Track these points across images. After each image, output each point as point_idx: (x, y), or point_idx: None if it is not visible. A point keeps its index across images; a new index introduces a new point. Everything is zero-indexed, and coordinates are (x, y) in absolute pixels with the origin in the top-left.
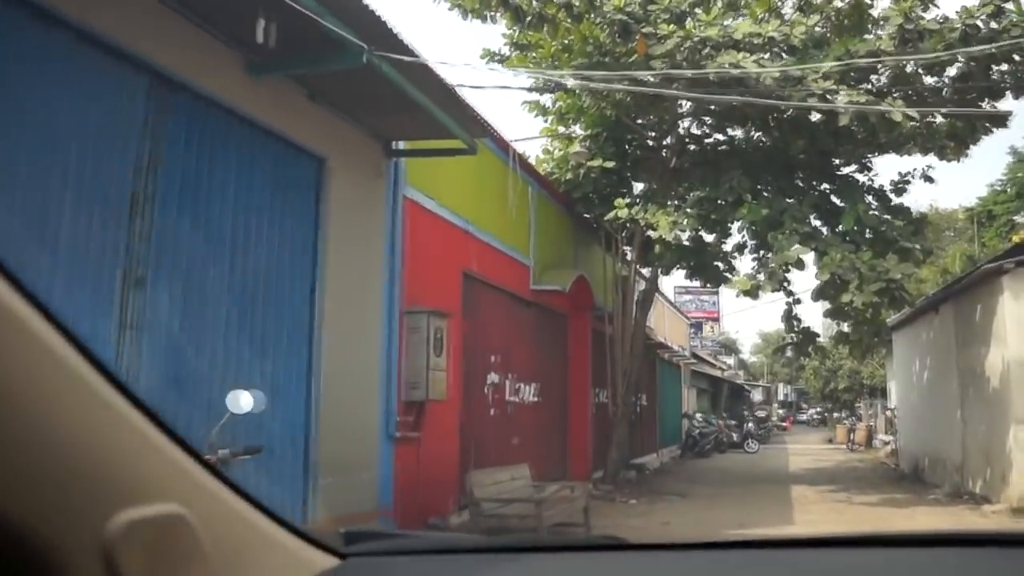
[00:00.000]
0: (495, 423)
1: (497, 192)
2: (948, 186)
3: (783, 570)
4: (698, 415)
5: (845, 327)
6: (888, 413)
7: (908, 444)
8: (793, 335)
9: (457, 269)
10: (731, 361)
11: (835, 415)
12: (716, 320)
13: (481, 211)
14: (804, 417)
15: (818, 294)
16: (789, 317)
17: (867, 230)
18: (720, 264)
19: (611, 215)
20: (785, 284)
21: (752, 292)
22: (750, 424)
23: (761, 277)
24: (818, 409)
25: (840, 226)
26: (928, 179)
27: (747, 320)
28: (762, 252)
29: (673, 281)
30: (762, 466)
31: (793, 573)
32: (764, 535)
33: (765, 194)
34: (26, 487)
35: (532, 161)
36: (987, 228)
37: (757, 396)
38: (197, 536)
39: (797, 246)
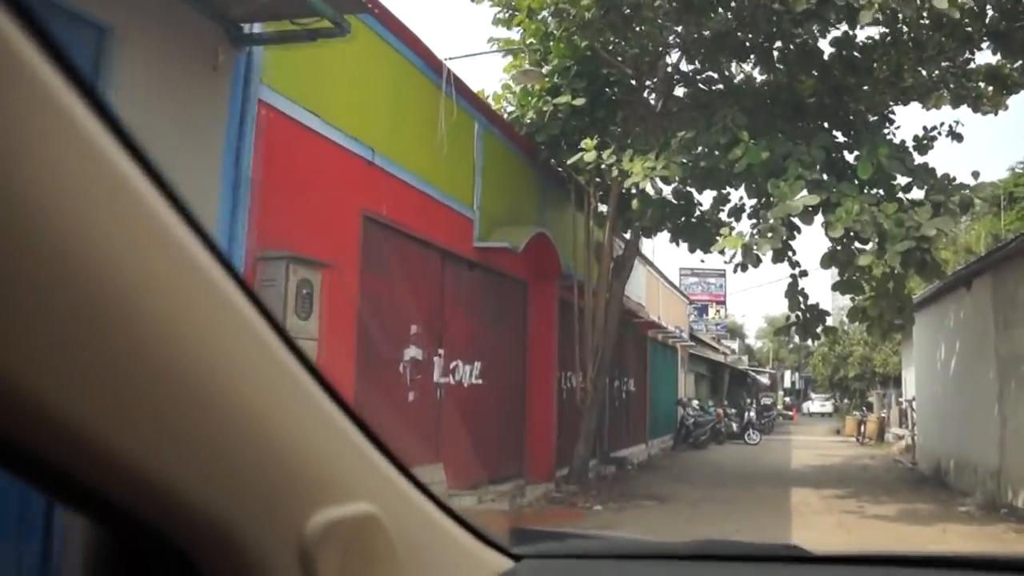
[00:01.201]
0: (415, 410)
1: (424, 122)
2: (966, 168)
3: None
4: (694, 402)
5: (862, 301)
6: (903, 404)
7: (928, 441)
8: (799, 313)
9: (353, 210)
10: (735, 346)
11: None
12: (722, 303)
13: (399, 142)
14: (815, 408)
15: (829, 259)
16: (794, 292)
17: (890, 181)
18: (710, 225)
19: (575, 158)
20: (788, 248)
21: (748, 255)
22: (751, 413)
23: (757, 236)
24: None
25: (856, 176)
26: (956, 136)
27: (753, 303)
28: (761, 214)
29: (661, 249)
30: (762, 461)
31: None
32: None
33: (765, 138)
34: (233, 482)
35: (491, 103)
36: (1008, 211)
37: (764, 381)
38: (389, 537)
39: (804, 194)
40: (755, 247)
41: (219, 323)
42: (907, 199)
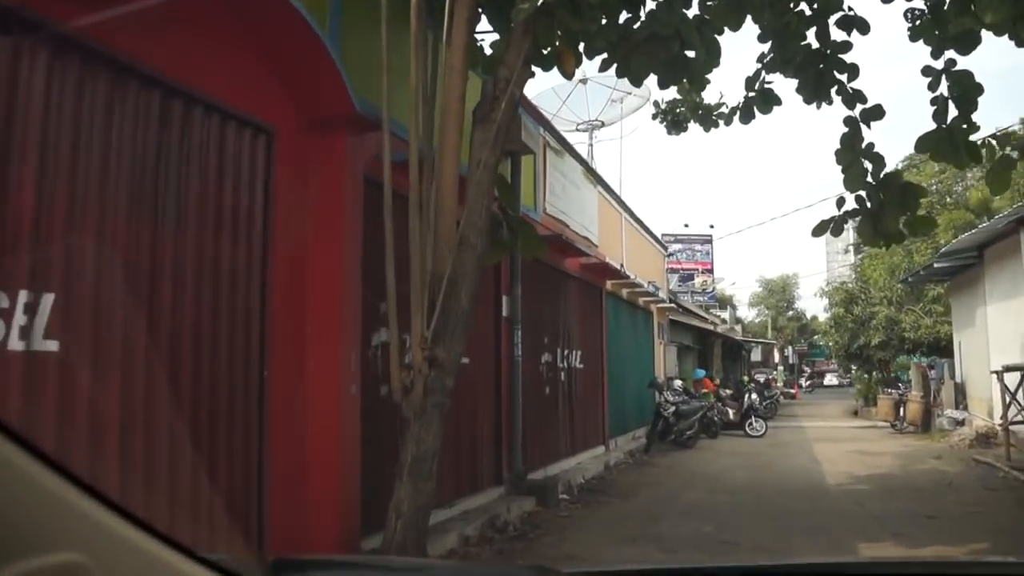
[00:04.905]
0: None
1: None
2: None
3: None
4: (676, 383)
5: None
6: (958, 380)
7: None
8: (863, 194)
9: None
10: (726, 315)
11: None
12: (710, 271)
13: None
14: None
15: None
16: (853, 149)
17: None
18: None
19: None
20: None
21: None
22: (753, 395)
23: None
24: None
25: None
26: None
27: (744, 271)
28: None
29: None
30: (776, 469)
31: None
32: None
33: None
34: None
35: None
36: None
37: (755, 357)
38: None
39: None
40: None
41: None
42: None
